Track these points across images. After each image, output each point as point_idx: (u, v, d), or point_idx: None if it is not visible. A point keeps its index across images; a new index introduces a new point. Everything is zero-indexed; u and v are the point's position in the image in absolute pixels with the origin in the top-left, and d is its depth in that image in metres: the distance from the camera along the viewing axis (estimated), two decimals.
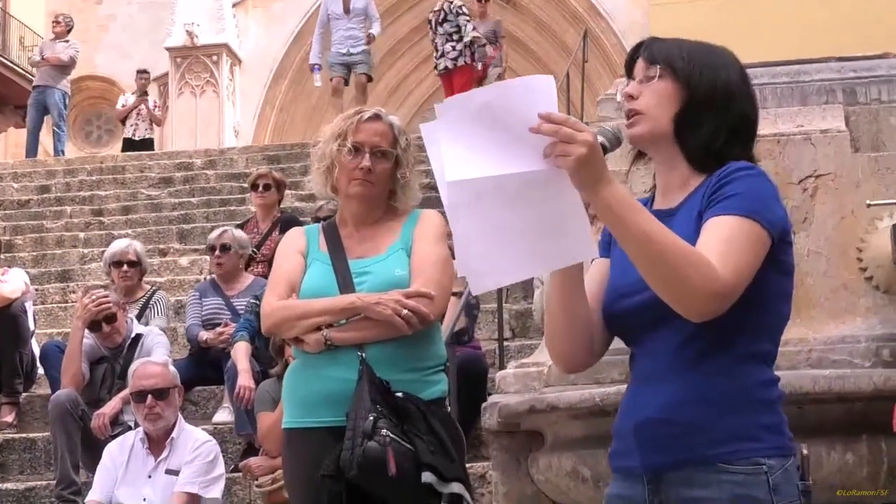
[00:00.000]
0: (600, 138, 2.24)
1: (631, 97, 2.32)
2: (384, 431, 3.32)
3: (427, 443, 3.37)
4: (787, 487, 2.21)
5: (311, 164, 3.78)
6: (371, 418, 3.32)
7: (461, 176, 2.04)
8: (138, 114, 16.75)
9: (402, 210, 3.70)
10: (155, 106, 17.38)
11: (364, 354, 3.44)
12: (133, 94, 17.25)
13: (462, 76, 13.87)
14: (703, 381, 2.21)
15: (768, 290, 2.23)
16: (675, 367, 2.23)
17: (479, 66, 13.85)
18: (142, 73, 17.34)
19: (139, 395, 5.49)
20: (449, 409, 3.68)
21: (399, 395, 3.42)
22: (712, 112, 2.30)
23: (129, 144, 16.63)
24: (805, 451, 2.27)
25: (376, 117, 3.66)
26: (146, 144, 16.74)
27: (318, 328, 3.48)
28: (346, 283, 3.54)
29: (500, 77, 14.01)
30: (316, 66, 13.79)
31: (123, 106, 17.00)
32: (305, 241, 3.69)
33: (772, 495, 2.18)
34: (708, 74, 2.31)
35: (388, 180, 3.64)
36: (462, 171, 2.04)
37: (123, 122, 17.06)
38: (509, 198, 2.06)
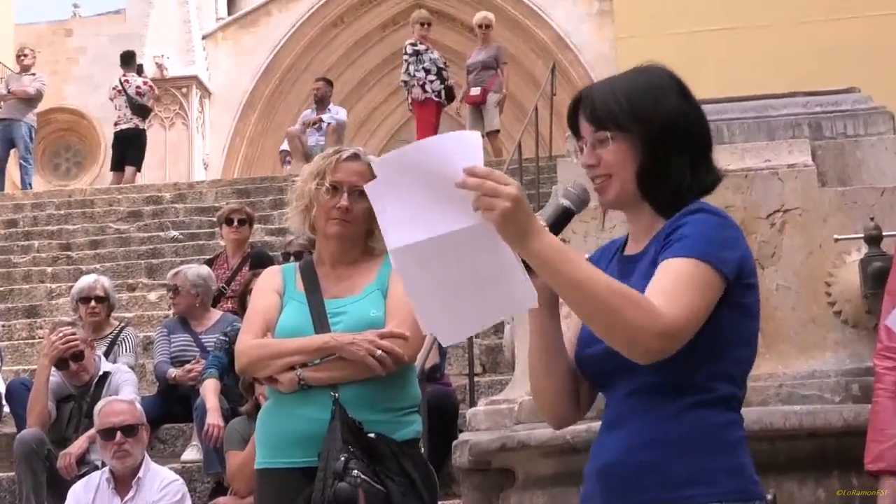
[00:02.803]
0: (565, 202, 2.24)
1: (592, 166, 2.33)
2: (355, 472, 3.30)
3: (398, 484, 3.36)
4: None
5: (285, 200, 3.77)
6: (343, 459, 3.31)
7: (402, 242, 2.08)
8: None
9: (380, 251, 3.68)
10: (145, 85, 15.98)
11: (337, 394, 3.43)
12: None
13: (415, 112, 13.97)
14: (657, 425, 2.21)
15: (723, 334, 2.22)
16: (633, 412, 2.24)
17: (478, 91, 13.82)
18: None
19: (107, 433, 5.43)
20: (423, 449, 3.66)
21: (372, 435, 3.41)
22: (672, 154, 2.30)
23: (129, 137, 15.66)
24: (770, 497, 2.24)
25: (355, 157, 3.67)
26: (140, 136, 15.96)
27: (292, 368, 3.47)
28: (321, 322, 3.53)
29: (499, 103, 13.99)
30: (287, 159, 13.60)
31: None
32: (282, 280, 3.68)
33: None
34: (656, 117, 2.29)
35: (365, 220, 3.62)
36: (402, 236, 2.08)
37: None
38: (450, 255, 2.10)
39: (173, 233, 12.16)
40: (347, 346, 3.44)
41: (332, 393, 3.43)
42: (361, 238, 3.67)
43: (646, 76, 2.36)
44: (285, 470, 3.47)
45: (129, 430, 5.42)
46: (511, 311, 2.26)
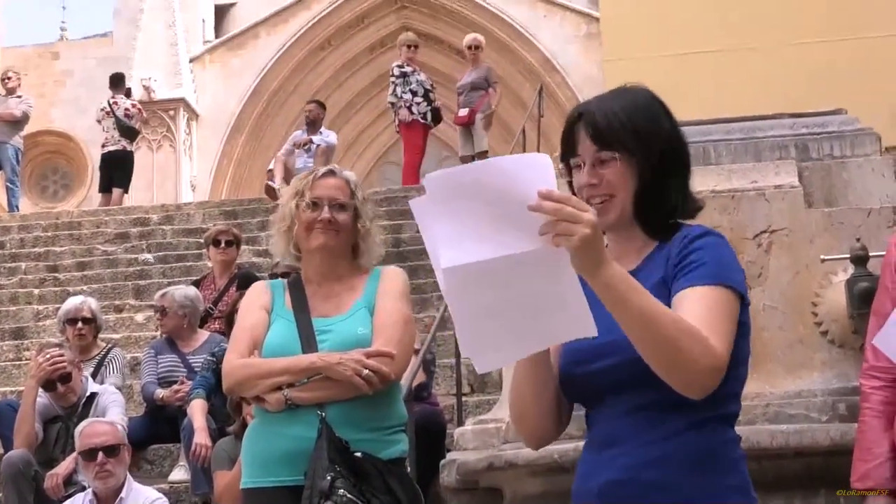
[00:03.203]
0: None
1: (593, 185, 2.28)
2: (341, 491, 3.31)
3: (384, 503, 3.36)
4: None
5: (271, 225, 3.79)
6: (329, 478, 3.32)
7: (456, 262, 1.99)
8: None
9: (365, 267, 3.71)
10: (134, 107, 15.89)
11: (324, 413, 3.43)
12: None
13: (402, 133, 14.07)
14: (665, 442, 2.19)
15: (730, 354, 2.19)
16: (637, 429, 2.21)
17: (466, 112, 13.86)
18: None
19: (89, 454, 5.43)
20: (409, 469, 3.67)
21: (358, 454, 3.41)
22: (668, 176, 2.30)
23: (117, 159, 15.64)
24: None
25: (331, 173, 3.71)
26: (128, 158, 15.90)
27: (279, 387, 3.47)
28: (308, 341, 3.54)
29: (484, 121, 14.02)
30: (272, 179, 13.69)
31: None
32: (270, 297, 3.69)
33: None
34: (656, 138, 2.29)
35: (350, 232, 3.65)
36: (457, 256, 1.99)
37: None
38: (506, 278, 2.01)
39: (145, 255, 12.13)
40: (334, 366, 3.44)
41: (318, 412, 3.43)
42: (347, 253, 3.68)
43: (633, 96, 2.35)
44: (272, 489, 3.46)
45: (111, 451, 5.42)
46: (565, 338, 2.17)
